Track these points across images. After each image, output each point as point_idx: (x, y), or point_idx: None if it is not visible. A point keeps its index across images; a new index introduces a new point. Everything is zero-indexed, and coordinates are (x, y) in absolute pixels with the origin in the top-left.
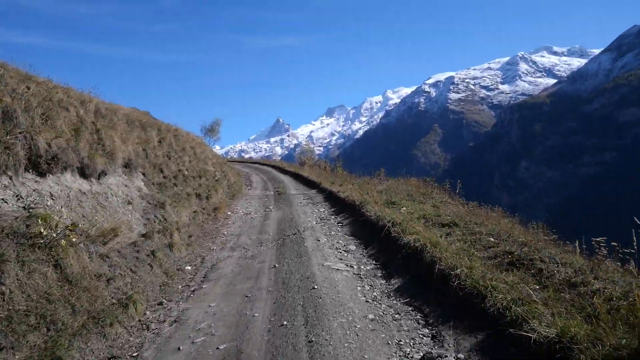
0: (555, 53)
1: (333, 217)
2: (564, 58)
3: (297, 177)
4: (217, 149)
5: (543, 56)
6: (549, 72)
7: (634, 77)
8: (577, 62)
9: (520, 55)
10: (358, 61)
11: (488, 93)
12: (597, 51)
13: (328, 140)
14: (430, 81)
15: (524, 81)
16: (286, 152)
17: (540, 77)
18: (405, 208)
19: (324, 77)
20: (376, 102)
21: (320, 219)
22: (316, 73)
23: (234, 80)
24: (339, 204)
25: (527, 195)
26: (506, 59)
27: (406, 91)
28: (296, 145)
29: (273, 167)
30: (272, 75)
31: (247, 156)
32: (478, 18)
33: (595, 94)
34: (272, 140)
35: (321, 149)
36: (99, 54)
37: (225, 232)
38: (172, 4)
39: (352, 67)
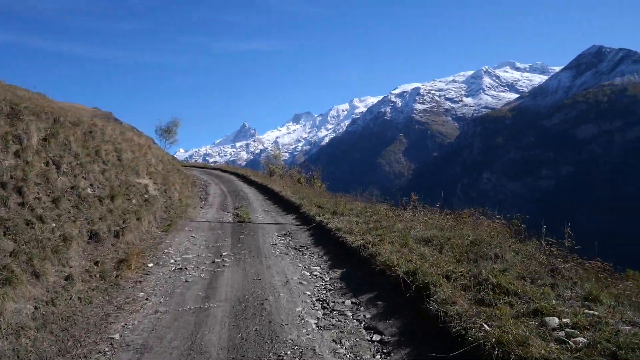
0: (517, 69)
1: (347, 297)
2: (526, 74)
3: (265, 191)
4: (181, 152)
5: (506, 71)
6: (511, 87)
7: (592, 95)
8: (539, 79)
9: (485, 70)
10: (326, 68)
11: (452, 105)
12: (557, 69)
13: (294, 146)
14: (397, 91)
15: (487, 95)
16: (252, 157)
17: (503, 91)
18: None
19: (292, 83)
20: (343, 110)
21: (323, 306)
22: (283, 79)
23: (201, 83)
24: (343, 256)
25: (488, 206)
26: (471, 72)
27: (373, 100)
28: (262, 151)
29: (237, 175)
30: (239, 80)
31: (211, 160)
32: (445, 31)
33: (554, 110)
34: (238, 144)
35: (287, 154)
36: (59, 52)
37: (111, 346)
38: (138, 2)
39: (320, 74)
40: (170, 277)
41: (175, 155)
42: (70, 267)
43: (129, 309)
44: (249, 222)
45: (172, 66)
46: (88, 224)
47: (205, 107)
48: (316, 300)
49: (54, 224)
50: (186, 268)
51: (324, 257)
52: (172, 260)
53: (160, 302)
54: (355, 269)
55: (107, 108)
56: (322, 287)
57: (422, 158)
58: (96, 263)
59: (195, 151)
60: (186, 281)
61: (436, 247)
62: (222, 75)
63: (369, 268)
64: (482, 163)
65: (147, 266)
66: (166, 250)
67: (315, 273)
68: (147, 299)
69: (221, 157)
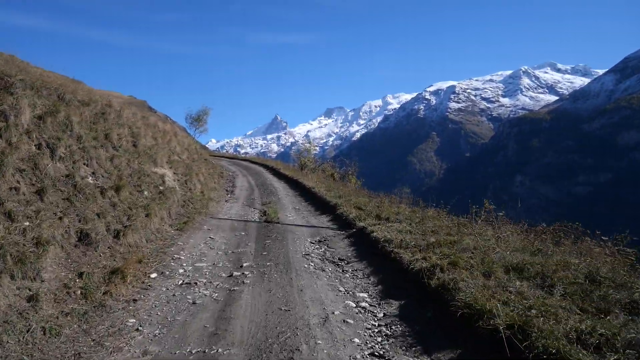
0: (558, 70)
1: (417, 355)
2: (567, 76)
3: (296, 185)
4: (213, 142)
5: (546, 72)
6: (551, 88)
7: (636, 100)
8: (580, 81)
9: (524, 70)
10: (360, 64)
11: (488, 105)
12: (601, 71)
13: (325, 140)
14: (431, 89)
15: (525, 96)
16: (282, 149)
17: (541, 93)
18: None
19: (325, 77)
20: (375, 106)
21: None
22: (317, 73)
23: (235, 75)
24: (399, 279)
25: (520, 210)
26: (509, 72)
27: (406, 97)
28: (292, 144)
29: (266, 167)
30: (273, 72)
31: (242, 151)
32: (483, 29)
33: (595, 114)
34: (269, 137)
35: (317, 148)
36: (100, 41)
37: None
38: None
39: (354, 69)
40: (174, 294)
41: (206, 145)
42: (42, 282)
43: (109, 346)
44: (278, 222)
45: (208, 57)
46: (79, 221)
47: (238, 98)
48: (370, 355)
49: (27, 223)
50: (196, 283)
51: (372, 279)
52: (181, 270)
53: (154, 335)
54: (420, 304)
55: (144, 97)
56: (376, 330)
57: (455, 158)
58: (80, 275)
59: (227, 142)
60: (193, 303)
61: (536, 280)
62: (257, 67)
63: (442, 306)
64: (516, 165)
65: (148, 277)
66: (176, 256)
67: (363, 304)
68: (137, 329)
69: (252, 148)
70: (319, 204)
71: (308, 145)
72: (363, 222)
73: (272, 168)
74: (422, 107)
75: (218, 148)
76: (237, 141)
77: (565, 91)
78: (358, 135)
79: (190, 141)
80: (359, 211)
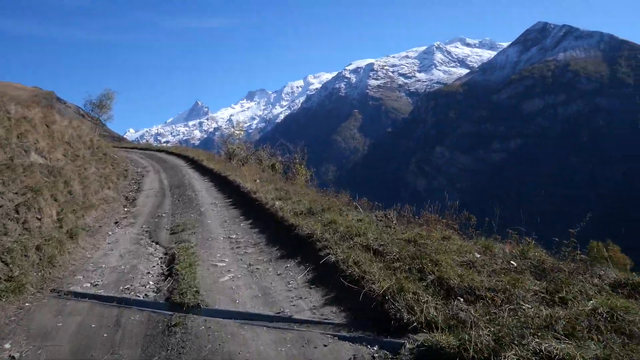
0: (468, 45)
1: None
2: (476, 50)
3: (226, 186)
4: (132, 132)
5: (457, 47)
6: (462, 62)
7: (537, 70)
8: (488, 54)
9: (436, 45)
10: (279, 45)
11: (406, 81)
12: (505, 44)
13: (249, 124)
14: (351, 67)
15: (439, 70)
16: (205, 135)
17: (454, 67)
18: None
19: (245, 60)
20: (297, 87)
21: None
22: (237, 56)
23: (151, 62)
24: None
25: (442, 180)
26: (423, 48)
27: (327, 76)
28: (216, 129)
29: (186, 159)
30: (191, 58)
31: (163, 140)
32: (397, 6)
33: (503, 85)
34: (191, 123)
35: (242, 132)
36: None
37: None
38: None
39: (274, 51)
40: None
41: (124, 136)
42: None
43: None
44: (197, 307)
45: (121, 44)
46: None
47: (156, 86)
48: None
49: None
50: None
51: None
52: None
53: None
54: None
55: (53, 89)
56: None
57: (377, 133)
58: None
59: (147, 131)
60: None
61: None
62: (174, 53)
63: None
64: (435, 138)
65: None
66: None
67: None
68: None
69: (174, 136)
70: (273, 227)
71: (234, 129)
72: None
73: (194, 160)
74: (343, 85)
75: (137, 138)
76: (158, 130)
77: (475, 64)
78: (282, 117)
79: (82, 133)
80: (384, 271)
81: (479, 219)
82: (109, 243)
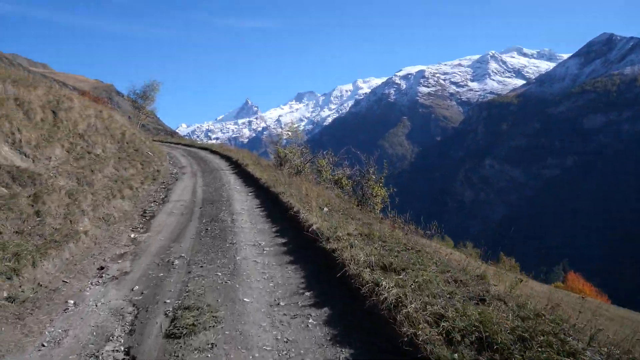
0: (525, 54)
1: None
2: (533, 60)
3: (278, 212)
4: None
5: (513, 57)
6: (517, 72)
7: (600, 84)
8: (546, 65)
9: (491, 54)
10: (330, 48)
11: (457, 89)
12: (565, 56)
13: (296, 125)
14: (401, 73)
15: (493, 80)
16: (254, 134)
17: (509, 77)
18: None
19: (296, 61)
20: (346, 91)
21: None
22: (288, 57)
23: (206, 60)
24: None
25: (489, 192)
26: (477, 56)
27: (377, 81)
28: (264, 129)
29: (230, 161)
30: (244, 57)
31: (213, 136)
32: (452, 13)
33: (561, 98)
34: (240, 121)
35: (290, 133)
36: (67, 25)
37: None
38: None
39: (324, 53)
40: None
41: (176, 130)
42: None
43: None
44: None
45: (178, 42)
46: None
47: (209, 83)
48: None
49: None
50: None
51: None
52: None
53: None
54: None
55: (113, 82)
56: None
57: (425, 142)
58: None
59: (198, 126)
60: None
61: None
62: (228, 51)
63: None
64: (485, 149)
65: None
66: None
67: None
68: None
69: (223, 133)
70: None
71: (283, 130)
72: None
73: (238, 163)
74: (392, 91)
75: (189, 133)
76: (208, 126)
77: (531, 75)
78: (329, 120)
79: (112, 124)
80: None
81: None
82: (42, 345)
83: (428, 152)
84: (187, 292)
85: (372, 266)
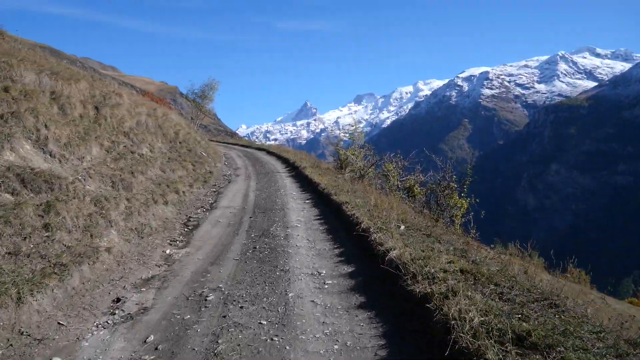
0: (597, 55)
1: None
2: (607, 61)
3: (342, 227)
4: (244, 128)
5: (584, 57)
6: (589, 74)
7: None
8: (621, 66)
9: (561, 55)
10: (390, 50)
11: (523, 91)
12: None
13: (356, 126)
14: (464, 75)
15: (562, 82)
16: (312, 136)
17: (579, 78)
18: None
19: (354, 63)
20: (406, 93)
21: None
22: (346, 59)
23: (265, 62)
24: None
25: (555, 199)
26: (545, 57)
27: (438, 83)
28: (322, 130)
29: (286, 162)
30: (302, 59)
31: (272, 137)
32: (518, 13)
33: (637, 101)
34: (299, 123)
35: (348, 135)
36: (116, 26)
37: None
38: None
39: (384, 55)
40: None
41: (236, 132)
42: None
43: None
44: None
45: (240, 45)
46: None
47: (269, 85)
48: None
49: None
50: None
51: None
52: None
53: None
54: None
55: (177, 84)
56: None
57: (487, 145)
58: None
59: (257, 128)
60: None
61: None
62: (287, 53)
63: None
64: (551, 154)
65: None
66: None
67: None
68: None
69: (282, 134)
70: None
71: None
72: None
73: (295, 165)
74: (454, 93)
75: (248, 134)
76: (267, 127)
77: (604, 77)
78: (388, 122)
79: (166, 122)
80: None
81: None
82: None
83: (489, 156)
84: (215, 354)
85: (497, 336)
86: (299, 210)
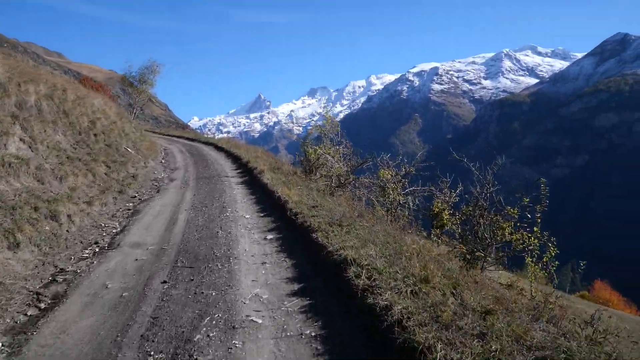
0: (539, 53)
1: None
2: (547, 59)
3: (343, 301)
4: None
5: (527, 55)
6: (531, 71)
7: (614, 84)
8: (560, 64)
9: (505, 52)
10: (344, 44)
11: (470, 87)
12: (580, 55)
13: (308, 120)
14: (415, 70)
15: (506, 78)
16: (265, 129)
17: (522, 75)
18: None
19: (309, 57)
20: (359, 87)
21: None
22: (301, 52)
23: (218, 53)
24: None
25: (500, 191)
26: (491, 54)
27: (390, 78)
28: (276, 123)
29: (240, 164)
30: (257, 51)
31: (224, 130)
32: (466, 10)
33: (574, 97)
34: (252, 116)
35: (300, 128)
36: (69, 11)
37: None
38: None
39: (338, 49)
40: None
41: (187, 124)
42: None
43: None
44: None
45: (191, 33)
46: None
47: (221, 76)
48: None
49: None
50: None
51: None
52: None
53: None
54: None
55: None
56: None
57: (437, 140)
58: None
59: (209, 120)
60: None
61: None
62: (241, 45)
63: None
64: (497, 148)
65: None
66: None
67: None
68: None
69: (235, 127)
70: None
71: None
72: None
73: (248, 166)
74: (405, 88)
75: (200, 127)
76: (220, 119)
77: (545, 74)
78: (341, 115)
79: (75, 108)
80: None
81: None
82: None
83: (439, 150)
84: None
85: None
86: (257, 265)
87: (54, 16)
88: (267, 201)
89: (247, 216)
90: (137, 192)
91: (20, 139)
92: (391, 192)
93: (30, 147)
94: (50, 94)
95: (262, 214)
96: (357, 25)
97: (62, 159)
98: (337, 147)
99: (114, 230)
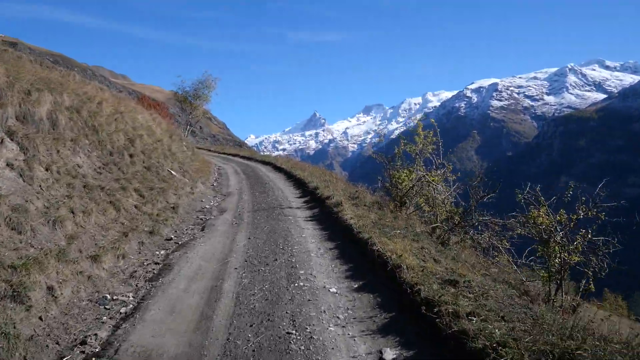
0: (607, 67)
1: None
2: (616, 73)
3: None
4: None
5: (594, 69)
6: (598, 86)
7: None
8: (630, 78)
9: (570, 67)
10: (400, 61)
11: (532, 103)
12: None
13: (363, 137)
14: (473, 86)
15: (571, 94)
16: (320, 146)
17: (589, 90)
18: None
19: (364, 74)
20: (415, 104)
21: None
22: (356, 70)
23: (277, 72)
24: None
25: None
26: (554, 69)
27: (447, 95)
28: (331, 141)
29: (305, 190)
30: (313, 69)
31: (280, 147)
32: (528, 25)
33: None
34: (307, 133)
35: (355, 146)
36: (134, 35)
37: None
38: None
39: (394, 66)
40: None
41: (244, 141)
42: None
43: None
44: None
45: (250, 55)
46: None
47: (278, 95)
48: None
49: None
50: None
51: None
52: None
53: None
54: None
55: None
56: None
57: (496, 157)
58: None
59: (266, 138)
60: None
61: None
62: (297, 64)
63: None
64: (560, 166)
65: None
66: None
67: None
68: None
69: (290, 144)
70: None
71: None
72: None
73: (316, 194)
74: (462, 105)
75: (257, 144)
76: (276, 137)
77: (614, 89)
78: (397, 133)
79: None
80: None
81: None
82: None
83: (498, 168)
84: None
85: None
86: None
87: (121, 40)
88: (355, 255)
89: (333, 289)
90: (175, 231)
91: (7, 164)
92: (556, 247)
93: (21, 175)
94: (78, 107)
95: (355, 284)
96: (413, 41)
97: (73, 189)
98: (439, 171)
99: (122, 311)
